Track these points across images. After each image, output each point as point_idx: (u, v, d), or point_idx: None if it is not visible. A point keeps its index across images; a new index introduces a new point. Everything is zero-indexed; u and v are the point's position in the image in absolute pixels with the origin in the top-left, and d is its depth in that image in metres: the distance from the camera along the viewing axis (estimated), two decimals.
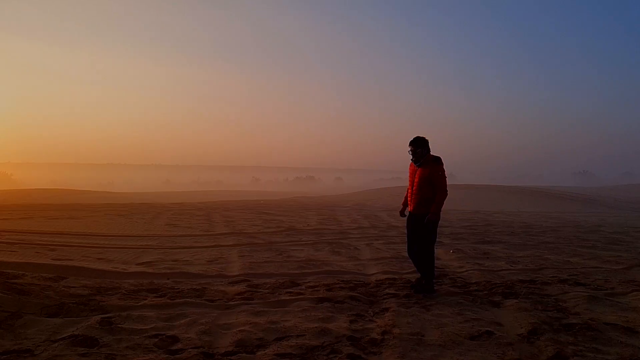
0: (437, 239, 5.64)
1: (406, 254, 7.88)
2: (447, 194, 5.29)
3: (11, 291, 4.59)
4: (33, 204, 18.52)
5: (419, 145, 5.33)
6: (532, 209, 22.63)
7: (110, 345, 3.56)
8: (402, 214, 5.73)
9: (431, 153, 5.38)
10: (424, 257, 5.41)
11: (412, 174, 5.48)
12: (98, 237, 9.14)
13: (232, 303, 4.86)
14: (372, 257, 7.72)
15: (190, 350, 3.56)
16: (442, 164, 5.34)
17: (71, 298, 4.74)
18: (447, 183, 5.39)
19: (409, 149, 5.37)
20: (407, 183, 5.79)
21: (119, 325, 3.98)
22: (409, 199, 5.57)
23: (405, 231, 5.75)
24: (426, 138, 5.38)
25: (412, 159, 5.45)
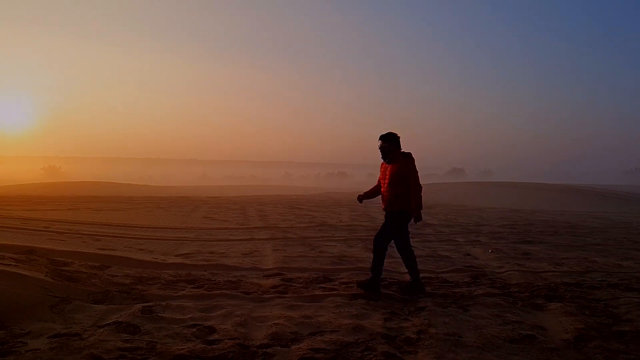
0: (410, 236, 5.50)
1: (442, 253, 7.82)
2: (421, 187, 5.19)
3: (61, 278, 4.81)
4: (79, 196, 19.31)
5: (387, 140, 5.23)
6: (576, 209, 21.84)
7: (151, 333, 3.68)
8: (359, 199, 5.67)
9: (402, 150, 5.28)
10: (402, 256, 5.36)
11: (383, 172, 5.39)
12: (139, 229, 9.44)
13: (267, 296, 4.93)
14: None
15: (227, 341, 3.63)
16: (412, 159, 5.24)
17: (115, 286, 4.92)
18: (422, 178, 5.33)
19: (379, 143, 5.28)
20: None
21: (159, 314, 4.10)
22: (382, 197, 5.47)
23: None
24: (397, 134, 5.28)
25: (381, 156, 5.34)
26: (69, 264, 5.47)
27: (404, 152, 5.27)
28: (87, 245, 7.10)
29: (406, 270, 6.44)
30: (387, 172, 5.28)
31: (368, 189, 5.70)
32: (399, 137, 5.27)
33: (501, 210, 18.10)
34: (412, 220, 5.19)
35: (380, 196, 5.48)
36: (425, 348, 3.68)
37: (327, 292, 5.12)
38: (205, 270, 6.00)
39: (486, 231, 10.88)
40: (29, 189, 28.31)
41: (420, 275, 6.13)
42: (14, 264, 4.97)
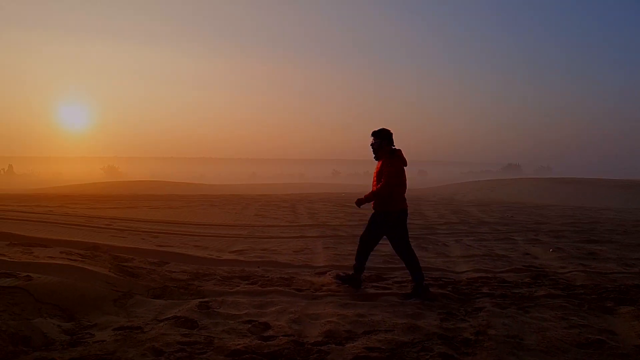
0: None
1: (499, 252, 7.53)
2: (389, 189, 4.85)
3: (123, 273, 5.03)
4: (137, 194, 20.19)
5: (377, 137, 5.02)
6: None
7: (209, 328, 3.76)
8: (357, 203, 5.17)
9: (394, 147, 5.05)
10: (401, 258, 5.07)
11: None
12: (194, 226, 9.73)
13: (319, 294, 4.92)
14: (462, 254, 7.42)
15: (282, 337, 3.65)
16: (395, 158, 4.95)
17: (173, 282, 5.08)
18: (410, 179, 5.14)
19: (371, 140, 5.07)
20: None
21: (216, 310, 4.19)
22: None
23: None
24: (390, 131, 5.04)
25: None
26: (130, 260, 5.70)
27: (392, 149, 5.02)
28: (146, 242, 7.39)
29: (463, 270, 6.27)
30: (375, 170, 5.15)
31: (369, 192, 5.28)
32: (390, 134, 5.04)
33: (562, 208, 17.23)
34: (379, 216, 4.99)
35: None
36: (484, 350, 3.53)
37: (380, 291, 5.05)
38: (258, 267, 6.09)
39: (546, 229, 10.38)
40: (91, 188, 29.93)
41: (477, 274, 5.93)
42: (81, 259, 5.24)
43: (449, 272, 6.21)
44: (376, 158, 5.12)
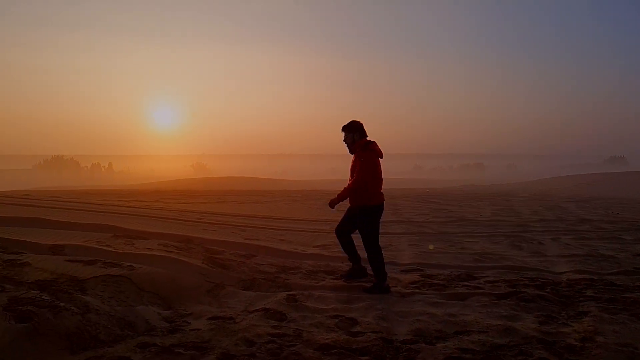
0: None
1: (604, 252, 6.88)
2: (362, 183, 4.68)
3: (215, 265, 5.26)
4: (224, 190, 21.17)
5: (349, 130, 4.83)
6: None
7: (297, 321, 3.80)
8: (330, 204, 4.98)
9: (368, 138, 4.84)
10: (367, 253, 4.89)
11: None
12: (279, 220, 9.98)
13: (407, 291, 4.80)
14: (561, 253, 6.88)
15: (370, 334, 3.59)
16: (368, 150, 4.74)
17: (261, 274, 5.22)
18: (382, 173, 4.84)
19: (342, 135, 4.87)
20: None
21: (303, 303, 4.22)
22: None
23: None
24: (360, 123, 4.84)
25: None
26: (221, 253, 5.95)
27: (366, 141, 4.82)
28: (234, 235, 7.69)
29: (562, 271, 5.81)
30: (350, 164, 4.92)
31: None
32: (361, 125, 4.85)
33: None
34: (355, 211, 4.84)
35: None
36: (591, 358, 3.22)
37: (471, 291, 4.81)
38: (342, 262, 6.08)
39: None
40: (181, 184, 31.88)
41: (579, 276, 5.47)
42: (176, 251, 5.55)
43: (546, 272, 5.79)
44: (351, 152, 4.95)
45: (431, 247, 7.31)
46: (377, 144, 4.90)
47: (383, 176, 4.99)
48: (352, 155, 4.97)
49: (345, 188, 4.84)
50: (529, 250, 7.12)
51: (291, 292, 4.53)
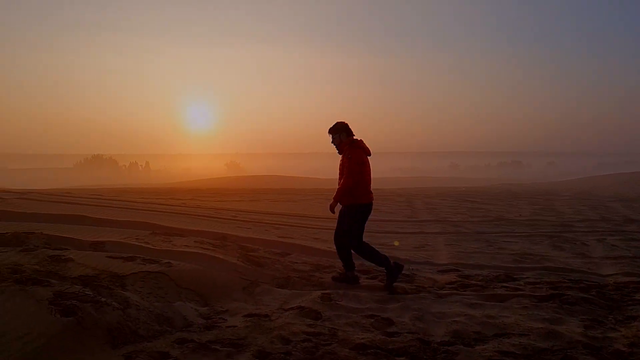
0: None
1: None
2: (352, 181, 4.72)
3: (250, 262, 5.30)
4: (257, 188, 21.39)
5: (335, 132, 4.88)
6: None
7: (332, 320, 3.78)
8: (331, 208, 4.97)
9: (354, 137, 4.91)
10: (338, 245, 4.95)
11: None
12: (312, 219, 9.98)
13: (444, 292, 4.71)
14: (607, 255, 6.59)
15: (406, 334, 3.53)
16: (355, 148, 4.81)
17: (295, 272, 5.23)
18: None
19: (330, 138, 4.95)
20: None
21: (338, 302, 4.20)
22: None
23: None
24: (344, 122, 4.91)
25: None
26: (256, 250, 5.99)
27: (353, 139, 4.88)
28: (269, 233, 7.74)
29: (609, 273, 5.59)
30: (339, 164, 5.00)
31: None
32: (346, 125, 4.90)
33: None
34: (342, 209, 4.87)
35: None
36: None
37: (510, 292, 4.67)
38: None
39: None
40: (216, 182, 32.38)
41: (628, 279, 5.24)
42: (212, 248, 5.63)
43: (592, 274, 5.56)
44: (339, 152, 4.99)
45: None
46: (364, 141, 4.97)
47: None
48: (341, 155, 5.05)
49: (337, 189, 4.85)
50: (571, 252, 6.86)
51: (326, 291, 4.51)
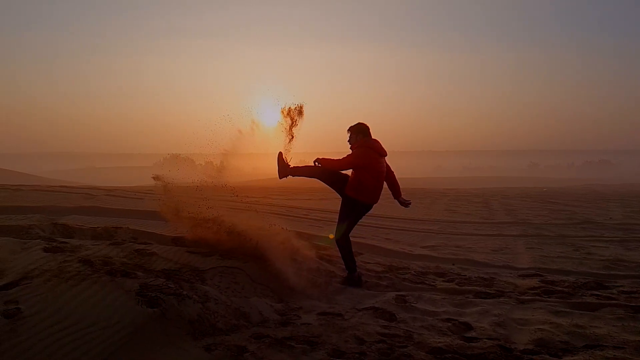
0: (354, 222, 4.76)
1: None
2: (339, 166, 4.75)
3: (324, 261, 5.32)
4: (325, 187, 21.44)
5: (354, 132, 4.86)
6: None
7: (407, 322, 3.69)
8: None
9: (372, 138, 4.83)
10: (339, 246, 4.90)
11: None
12: (383, 219, 9.85)
13: (525, 297, 4.44)
14: None
15: (486, 340, 3.37)
16: (362, 146, 4.72)
17: (368, 272, 5.18)
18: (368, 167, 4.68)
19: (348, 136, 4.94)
20: None
21: (412, 304, 4.10)
22: None
23: None
24: (365, 125, 4.84)
25: None
26: (327, 249, 6.01)
27: (367, 139, 4.80)
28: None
29: None
30: None
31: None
32: (365, 128, 4.84)
33: None
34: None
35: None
36: None
37: (602, 301, 4.30)
38: (453, 264, 5.82)
39: None
40: (283, 181, 32.92)
41: None
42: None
43: None
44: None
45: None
46: (380, 142, 4.88)
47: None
48: None
49: (330, 162, 4.82)
50: None
51: (400, 293, 4.42)
